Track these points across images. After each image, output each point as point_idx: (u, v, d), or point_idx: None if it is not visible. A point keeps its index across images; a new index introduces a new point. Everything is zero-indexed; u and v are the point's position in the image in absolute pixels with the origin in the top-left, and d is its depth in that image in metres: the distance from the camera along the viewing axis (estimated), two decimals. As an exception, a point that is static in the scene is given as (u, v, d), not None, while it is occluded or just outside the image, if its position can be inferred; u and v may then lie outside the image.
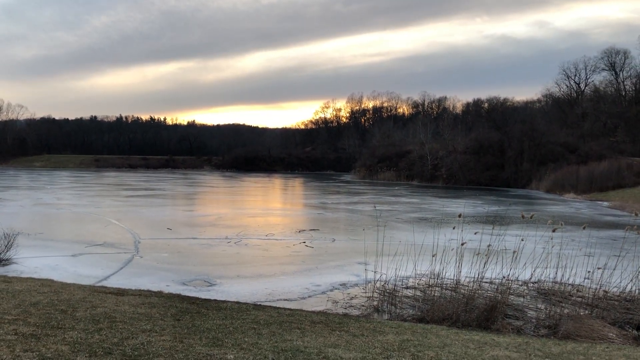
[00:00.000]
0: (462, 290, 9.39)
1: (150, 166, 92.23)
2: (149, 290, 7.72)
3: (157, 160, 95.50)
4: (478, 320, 7.42)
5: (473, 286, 9.77)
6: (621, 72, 65.63)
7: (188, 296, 7.55)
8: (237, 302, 7.37)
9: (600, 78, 68.79)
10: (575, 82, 71.67)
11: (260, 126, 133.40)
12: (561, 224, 9.39)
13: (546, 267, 9.62)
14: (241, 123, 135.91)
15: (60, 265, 10.94)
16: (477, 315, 7.55)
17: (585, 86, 71.16)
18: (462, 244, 9.28)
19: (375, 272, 10.16)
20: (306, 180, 59.73)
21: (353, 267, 11.49)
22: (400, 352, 4.27)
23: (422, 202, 30.50)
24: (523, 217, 10.11)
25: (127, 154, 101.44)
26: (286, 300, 8.67)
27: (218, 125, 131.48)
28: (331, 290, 9.50)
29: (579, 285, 9.63)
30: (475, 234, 9.68)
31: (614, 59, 65.80)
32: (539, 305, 8.72)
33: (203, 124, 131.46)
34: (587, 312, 8.20)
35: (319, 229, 17.91)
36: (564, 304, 8.64)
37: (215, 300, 7.28)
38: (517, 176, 48.70)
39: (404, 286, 10.00)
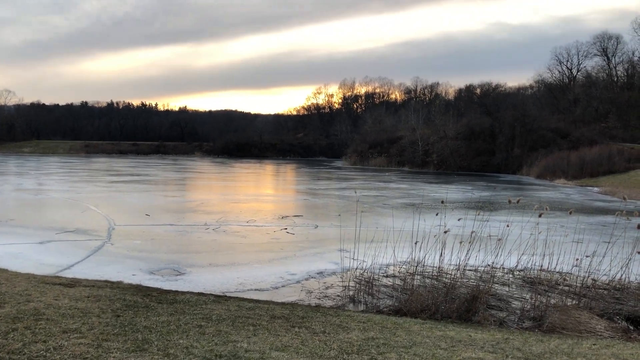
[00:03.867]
0: (445, 279, 8.95)
1: (141, 152, 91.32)
2: (106, 281, 7.20)
3: (147, 146, 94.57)
4: (458, 312, 6.97)
5: (456, 274, 9.33)
6: (613, 58, 65.28)
7: (148, 287, 7.04)
8: (201, 294, 6.87)
9: (592, 63, 68.44)
10: (567, 67, 71.27)
11: (252, 112, 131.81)
12: (546, 209, 8.92)
13: (533, 254, 9.18)
14: (233, 109, 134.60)
15: (24, 253, 10.37)
16: (457, 306, 7.09)
17: (578, 72, 70.78)
18: (445, 232, 8.82)
19: (354, 259, 9.68)
20: (297, 166, 59.19)
21: (333, 255, 10.99)
22: (358, 355, 3.78)
23: (411, 188, 30.06)
24: (510, 202, 9.65)
25: (118, 140, 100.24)
26: (257, 290, 8.18)
27: (210, 111, 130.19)
28: (307, 279, 9.01)
29: (567, 273, 9.21)
30: (459, 220, 9.22)
31: (606, 44, 65.38)
32: (525, 295, 8.28)
33: (195, 110, 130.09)
34: (574, 302, 7.77)
35: (302, 215, 17.42)
36: (550, 294, 8.21)
37: (175, 291, 6.77)
38: (508, 162, 48.39)
39: (384, 274, 9.54)
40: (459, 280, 8.74)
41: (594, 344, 4.67)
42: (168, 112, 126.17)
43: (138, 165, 52.11)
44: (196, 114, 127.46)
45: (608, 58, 65.57)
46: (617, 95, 60.22)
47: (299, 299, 7.73)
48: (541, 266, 9.33)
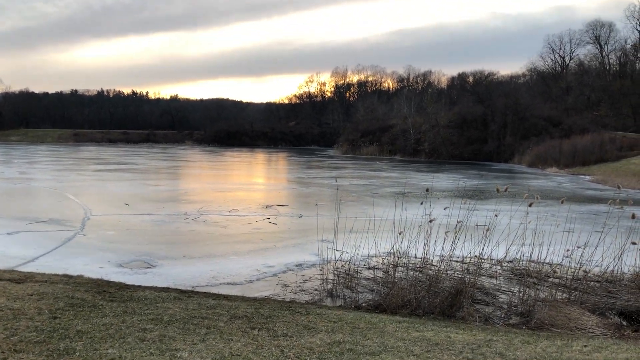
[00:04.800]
0: (430, 271, 8.53)
1: (131, 141, 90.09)
2: (65, 275, 6.70)
3: (137, 135, 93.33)
4: (441, 307, 6.53)
5: (441, 266, 8.90)
6: (606, 46, 64.81)
7: (109, 281, 6.54)
8: (165, 289, 6.39)
9: (584, 51, 67.98)
10: (560, 55, 70.81)
11: (244, 100, 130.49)
12: (537, 198, 8.51)
13: (522, 245, 8.76)
14: (225, 97, 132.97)
15: (-12, 244, 9.83)
16: (440, 300, 6.66)
17: (570, 60, 70.35)
18: (430, 221, 8.38)
19: (337, 251, 9.22)
20: (287, 155, 58.62)
21: (315, 246, 10.50)
22: (316, 364, 3.33)
23: (401, 177, 29.63)
24: (498, 190, 9.20)
25: (108, 129, 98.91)
26: (230, 284, 7.71)
27: (201, 100, 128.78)
28: (284, 272, 8.55)
29: (557, 264, 8.80)
30: (444, 209, 8.76)
31: (599, 32, 64.87)
32: (513, 288, 7.86)
33: (186, 99, 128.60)
34: (565, 295, 7.37)
35: (287, 204, 16.94)
36: (539, 287, 7.80)
37: (137, 286, 6.28)
38: (500, 150, 48.03)
39: (366, 266, 9.10)
40: (444, 272, 8.31)
41: (585, 346, 4.24)
42: (159, 101, 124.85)
43: (126, 154, 51.33)
44: (187, 103, 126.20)
45: (600, 46, 65.15)
46: (610, 83, 59.89)
47: (273, 293, 7.27)
48: (530, 257, 8.93)
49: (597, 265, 8.34)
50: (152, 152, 56.50)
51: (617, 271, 8.43)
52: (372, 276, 8.40)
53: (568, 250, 8.49)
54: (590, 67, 66.06)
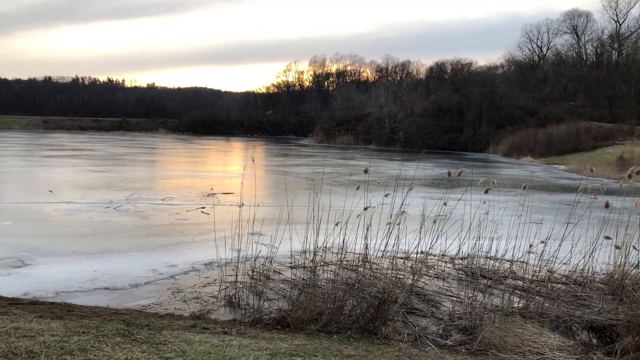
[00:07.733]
0: (367, 270, 7.07)
1: (102, 128, 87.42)
2: None
3: (109, 123, 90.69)
4: (361, 321, 5.04)
5: (382, 264, 7.47)
6: (583, 36, 64.06)
7: None
8: (-8, 299, 4.79)
9: (562, 41, 67.25)
10: (537, 45, 69.96)
11: (223, 89, 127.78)
12: (493, 183, 7.10)
13: (478, 239, 7.34)
14: (203, 86, 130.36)
15: None
16: (361, 311, 5.16)
17: (547, 50, 69.54)
18: (365, 208, 6.92)
19: (265, 245, 7.66)
20: (261, 144, 56.87)
21: (242, 240, 8.96)
22: None
23: (370, 165, 28.19)
24: (450, 174, 7.75)
25: (80, 116, 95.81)
26: (107, 289, 6.12)
27: (179, 88, 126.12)
28: (186, 273, 6.99)
29: (518, 261, 7.42)
30: (386, 196, 7.28)
31: (576, 22, 64.06)
32: (461, 293, 6.42)
33: (163, 87, 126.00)
34: (523, 302, 5.95)
35: (234, 192, 15.36)
36: (494, 290, 6.38)
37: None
38: (475, 140, 46.95)
39: (290, 265, 7.61)
40: (382, 272, 6.86)
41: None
42: (135, 89, 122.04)
43: (90, 141, 49.04)
44: (164, 91, 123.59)
45: (578, 36, 64.36)
46: (586, 73, 59.17)
47: (155, 302, 5.72)
48: (487, 253, 7.53)
49: (564, 263, 6.97)
50: (117, 139, 54.24)
51: (588, 271, 7.07)
52: (294, 277, 6.90)
53: (531, 246, 7.09)
54: (567, 57, 65.33)
